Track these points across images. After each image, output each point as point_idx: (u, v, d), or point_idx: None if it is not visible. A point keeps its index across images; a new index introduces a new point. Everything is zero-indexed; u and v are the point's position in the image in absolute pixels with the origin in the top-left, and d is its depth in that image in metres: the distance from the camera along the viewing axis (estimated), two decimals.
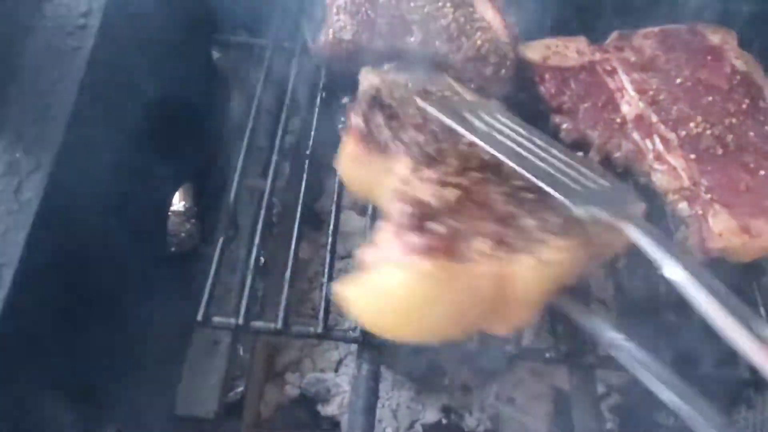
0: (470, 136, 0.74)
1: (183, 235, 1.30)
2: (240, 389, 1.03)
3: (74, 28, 0.84)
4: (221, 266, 0.88)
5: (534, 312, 0.66)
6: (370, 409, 0.78)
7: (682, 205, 0.91)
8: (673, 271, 0.66)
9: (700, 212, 0.89)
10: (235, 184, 0.92)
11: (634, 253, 0.93)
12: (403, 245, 0.61)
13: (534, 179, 0.70)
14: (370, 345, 0.82)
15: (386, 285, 0.60)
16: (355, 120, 0.80)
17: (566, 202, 0.68)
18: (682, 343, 0.83)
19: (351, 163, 0.81)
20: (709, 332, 0.82)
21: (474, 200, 0.68)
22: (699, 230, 0.88)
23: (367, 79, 0.86)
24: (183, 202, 1.34)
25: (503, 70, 0.97)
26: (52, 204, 0.75)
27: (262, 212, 0.89)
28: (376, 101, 0.82)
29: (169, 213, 1.29)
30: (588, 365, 0.85)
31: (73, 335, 0.81)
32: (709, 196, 0.89)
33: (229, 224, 0.88)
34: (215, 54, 1.40)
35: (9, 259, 0.70)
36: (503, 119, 0.79)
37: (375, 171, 0.78)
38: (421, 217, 0.64)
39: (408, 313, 0.60)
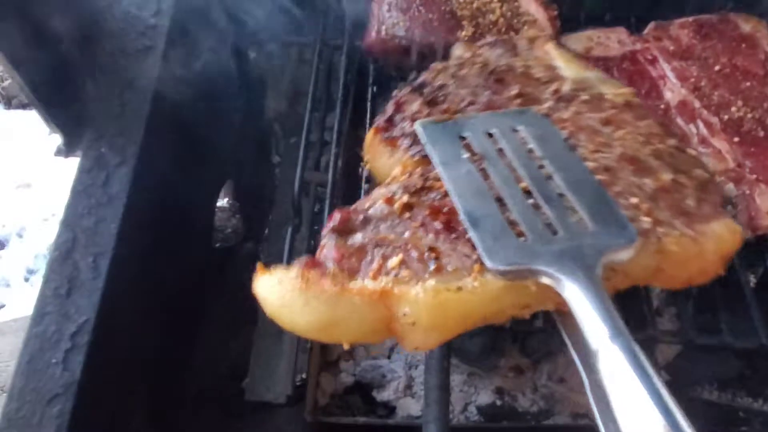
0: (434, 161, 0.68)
1: (228, 230, 1.33)
2: (303, 375, 1.05)
3: (145, 28, 0.87)
4: (274, 258, 0.92)
5: (437, 340, 0.59)
6: (445, 386, 0.81)
7: (729, 186, 0.95)
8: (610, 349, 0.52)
9: (747, 192, 0.92)
10: (298, 176, 0.95)
11: None
12: (319, 251, 0.62)
13: (461, 217, 0.61)
14: None
15: (266, 285, 0.60)
16: (388, 107, 0.80)
17: (480, 251, 0.59)
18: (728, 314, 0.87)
19: (369, 152, 0.80)
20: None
21: (427, 210, 0.64)
22: (747, 209, 0.92)
23: (457, 51, 0.87)
24: (227, 198, 1.37)
25: None
26: (136, 196, 0.78)
27: (327, 200, 0.92)
28: (420, 87, 0.81)
29: (215, 208, 1.31)
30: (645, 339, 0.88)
31: (156, 323, 0.84)
32: (754, 176, 0.93)
33: (296, 213, 0.90)
34: (251, 54, 1.43)
35: (103, 249, 0.73)
36: (518, 139, 0.70)
37: (387, 165, 0.76)
38: (350, 225, 0.63)
39: (278, 317, 0.59)
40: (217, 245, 1.34)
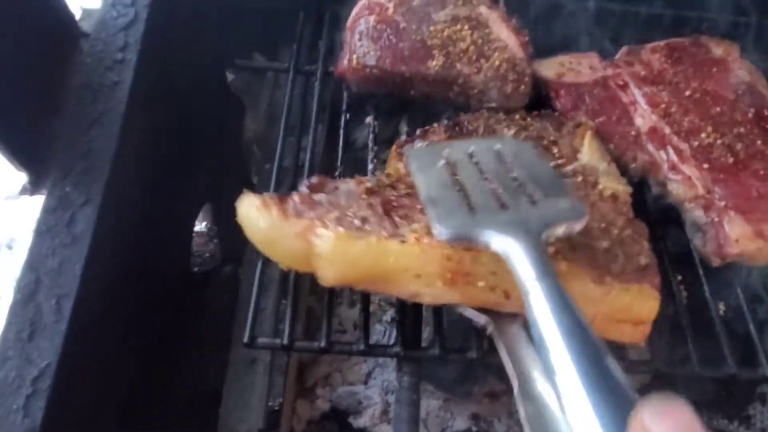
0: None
1: (206, 255, 1.33)
2: (279, 400, 1.05)
3: (113, 63, 0.87)
4: (252, 285, 0.91)
5: (338, 275, 0.75)
6: (414, 420, 0.81)
7: (698, 213, 0.95)
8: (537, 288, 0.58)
9: (716, 219, 0.93)
10: None
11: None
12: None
13: (421, 199, 0.73)
14: (410, 358, 0.85)
15: (244, 201, 0.80)
16: (419, 130, 0.94)
17: (432, 222, 0.69)
18: (698, 343, 0.87)
19: (389, 159, 0.93)
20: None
21: (380, 199, 0.80)
22: (716, 236, 0.92)
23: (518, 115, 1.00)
24: (205, 222, 1.37)
25: (522, 86, 1.01)
26: (102, 235, 0.78)
27: None
28: (454, 124, 0.94)
29: (193, 234, 1.31)
30: None
31: (118, 361, 0.83)
32: (723, 203, 0.94)
33: None
34: (229, 76, 1.43)
35: (67, 291, 0.72)
36: (494, 153, 0.78)
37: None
38: (321, 187, 0.81)
39: (242, 224, 0.80)
40: (196, 269, 1.33)
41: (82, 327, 0.73)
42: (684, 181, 0.97)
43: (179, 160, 1.13)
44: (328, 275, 0.75)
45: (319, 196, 0.81)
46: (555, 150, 0.92)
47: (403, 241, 0.73)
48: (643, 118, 1.03)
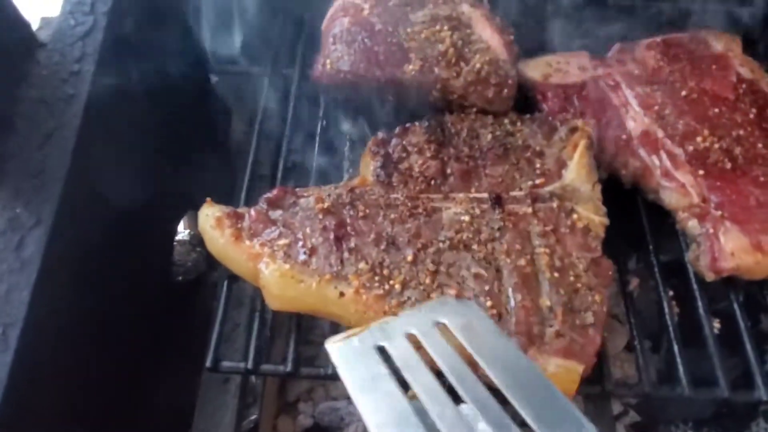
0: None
1: (189, 264, 1.29)
2: (254, 417, 1.02)
3: (69, 75, 0.83)
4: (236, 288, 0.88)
5: (280, 306, 0.76)
6: None
7: (692, 223, 0.89)
8: None
9: (711, 230, 0.87)
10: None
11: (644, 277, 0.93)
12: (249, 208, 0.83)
13: None
14: None
15: (202, 212, 0.84)
16: (398, 129, 0.91)
17: None
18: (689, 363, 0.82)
19: (363, 155, 0.91)
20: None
21: (335, 221, 0.78)
22: (711, 249, 0.86)
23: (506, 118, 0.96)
24: (188, 230, 1.33)
25: (505, 90, 0.95)
26: (54, 258, 0.74)
27: None
28: (438, 124, 0.91)
29: (175, 242, 1.28)
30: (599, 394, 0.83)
31: (81, 388, 0.80)
32: (719, 212, 0.88)
33: None
34: (213, 78, 1.39)
35: (13, 319, 0.69)
36: (442, 336, 0.60)
37: (365, 171, 0.89)
38: (280, 201, 0.81)
39: (209, 248, 0.82)
40: (179, 279, 1.30)
41: (33, 356, 0.70)
42: (677, 189, 0.91)
43: (154, 170, 1.09)
44: (271, 303, 0.77)
45: (276, 213, 0.80)
46: (538, 164, 0.86)
47: (342, 294, 0.72)
48: (635, 120, 0.97)
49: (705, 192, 0.90)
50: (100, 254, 0.86)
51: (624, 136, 0.96)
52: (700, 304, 0.86)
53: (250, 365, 0.79)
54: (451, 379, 0.55)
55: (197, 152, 1.30)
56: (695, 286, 0.88)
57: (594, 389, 0.80)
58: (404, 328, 0.61)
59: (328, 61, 0.96)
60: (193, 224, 1.35)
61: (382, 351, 0.58)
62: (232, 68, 1.23)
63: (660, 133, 0.95)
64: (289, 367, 0.79)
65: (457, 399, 0.53)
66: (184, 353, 1.15)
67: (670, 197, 0.92)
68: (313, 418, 1.11)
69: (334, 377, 0.80)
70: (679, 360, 0.81)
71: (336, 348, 0.60)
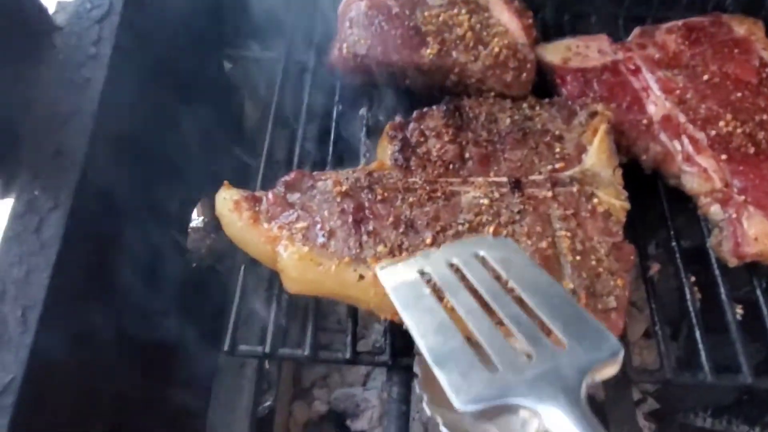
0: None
1: (203, 251, 1.29)
2: (268, 403, 1.02)
3: (85, 58, 0.83)
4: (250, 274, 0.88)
5: (298, 289, 0.75)
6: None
7: (715, 208, 0.88)
8: None
9: (734, 215, 0.86)
10: None
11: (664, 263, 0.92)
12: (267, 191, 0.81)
13: (427, 357, 0.58)
14: (399, 368, 0.80)
15: (220, 195, 0.83)
16: (415, 112, 0.89)
17: (447, 391, 0.55)
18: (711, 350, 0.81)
19: (381, 139, 0.90)
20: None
21: (354, 204, 0.78)
22: (733, 234, 0.85)
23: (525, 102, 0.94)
24: (202, 217, 1.33)
25: (524, 74, 0.94)
26: (73, 241, 0.74)
27: None
28: (456, 108, 0.89)
29: (189, 229, 1.28)
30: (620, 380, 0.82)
31: (100, 373, 0.80)
32: (742, 197, 0.86)
33: None
34: (227, 65, 1.38)
35: (33, 301, 0.69)
36: (481, 265, 0.66)
37: (383, 155, 0.87)
38: (298, 185, 0.80)
39: (226, 232, 0.81)
40: (194, 266, 1.30)
41: (52, 338, 0.70)
42: (699, 174, 0.90)
43: (170, 154, 1.08)
44: (289, 286, 0.76)
45: (293, 197, 0.79)
46: (557, 148, 0.85)
47: (361, 277, 0.71)
48: (656, 105, 0.95)
49: (727, 177, 0.88)
50: (116, 239, 0.86)
51: (645, 121, 0.94)
52: (722, 289, 0.85)
53: (267, 349, 0.79)
54: (488, 298, 0.62)
55: (211, 139, 1.30)
56: (717, 272, 0.87)
57: (615, 375, 0.79)
58: (445, 257, 0.68)
59: (344, 45, 0.95)
60: (207, 211, 1.35)
61: (424, 276, 0.67)
62: (246, 54, 1.22)
63: (682, 118, 0.94)
64: (307, 351, 0.78)
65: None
66: (199, 339, 1.15)
67: (691, 182, 0.90)
68: (329, 404, 1.11)
69: (351, 362, 0.80)
70: (701, 345, 0.80)
71: (384, 271, 0.69)
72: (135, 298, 0.90)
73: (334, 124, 1.00)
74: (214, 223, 1.38)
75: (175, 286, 1.16)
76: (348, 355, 0.79)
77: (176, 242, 1.21)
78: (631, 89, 0.97)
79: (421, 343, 0.59)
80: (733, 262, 0.85)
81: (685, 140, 0.92)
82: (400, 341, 0.80)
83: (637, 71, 0.99)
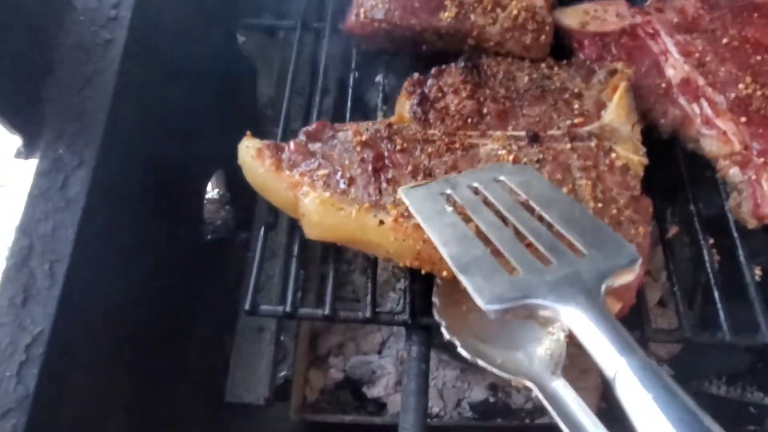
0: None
1: (219, 222, 1.30)
2: (284, 373, 1.03)
3: (106, 21, 0.83)
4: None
5: (319, 235, 0.76)
6: (423, 391, 0.78)
7: (734, 171, 0.88)
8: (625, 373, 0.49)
9: (753, 177, 0.85)
10: None
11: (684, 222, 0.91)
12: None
13: (450, 264, 0.60)
14: (418, 327, 0.81)
15: (243, 145, 0.82)
16: (433, 69, 0.89)
17: (472, 294, 0.57)
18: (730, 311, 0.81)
19: (400, 95, 0.89)
20: None
21: (373, 153, 0.78)
22: (753, 195, 0.85)
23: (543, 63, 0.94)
24: (217, 189, 1.34)
25: (543, 36, 0.94)
26: (97, 198, 0.75)
27: None
28: (474, 66, 0.88)
29: (204, 201, 1.28)
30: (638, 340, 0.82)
31: (124, 328, 0.81)
32: (761, 159, 0.86)
33: (270, 211, 0.87)
34: (240, 38, 1.38)
35: (60, 256, 0.70)
36: (502, 186, 0.70)
37: (402, 110, 0.87)
38: (319, 135, 0.81)
39: (241, 167, 0.82)
40: (209, 237, 1.31)
41: (78, 292, 0.71)
42: (719, 137, 0.89)
43: (185, 124, 1.09)
44: (310, 231, 0.77)
45: (315, 146, 0.80)
46: (576, 105, 0.85)
47: (381, 222, 0.72)
48: (675, 68, 0.95)
49: (747, 139, 0.88)
50: (138, 198, 0.86)
51: (663, 84, 0.94)
52: (741, 252, 0.85)
53: (288, 308, 0.79)
54: (508, 215, 0.65)
55: (224, 110, 1.30)
56: (735, 234, 0.87)
57: (634, 335, 0.79)
58: (467, 181, 0.71)
59: (361, 10, 0.95)
60: (222, 184, 1.36)
61: (447, 197, 0.70)
62: (260, 22, 1.22)
63: (701, 81, 0.93)
64: (327, 311, 0.79)
65: None
66: (216, 306, 1.16)
67: (710, 145, 0.90)
68: (344, 372, 1.12)
69: (371, 320, 0.81)
70: (719, 305, 0.80)
71: (407, 192, 0.72)
72: (153, 261, 0.91)
73: (350, 92, 1.00)
74: (228, 196, 1.39)
75: (191, 255, 1.17)
76: (368, 314, 0.79)
77: (194, 211, 1.22)
78: (650, 53, 0.97)
79: (444, 251, 0.62)
80: (752, 223, 0.85)
81: (704, 103, 0.92)
82: (419, 301, 0.81)
83: (655, 35, 0.98)
